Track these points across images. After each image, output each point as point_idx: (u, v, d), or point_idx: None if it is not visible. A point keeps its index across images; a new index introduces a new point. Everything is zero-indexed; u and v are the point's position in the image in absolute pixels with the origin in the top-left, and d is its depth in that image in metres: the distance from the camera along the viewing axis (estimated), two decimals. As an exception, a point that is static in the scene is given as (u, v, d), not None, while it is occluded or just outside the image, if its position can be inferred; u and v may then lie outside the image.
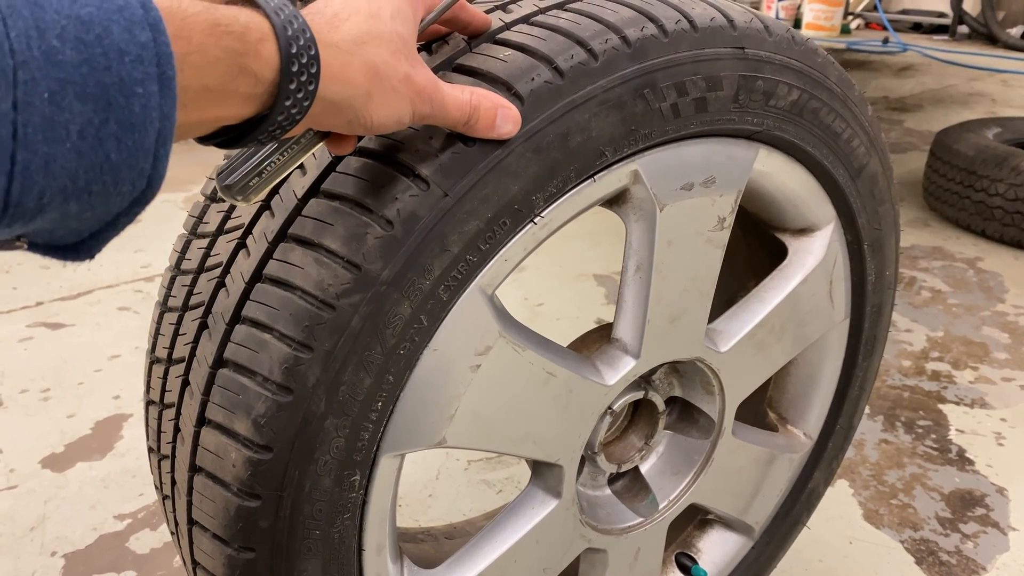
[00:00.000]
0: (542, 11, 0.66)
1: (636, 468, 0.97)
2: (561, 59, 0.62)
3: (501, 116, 0.60)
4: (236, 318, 0.63)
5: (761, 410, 1.11)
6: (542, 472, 0.83)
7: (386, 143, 0.61)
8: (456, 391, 0.67)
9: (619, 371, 0.79)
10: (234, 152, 0.57)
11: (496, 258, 0.65)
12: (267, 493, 0.62)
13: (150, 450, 0.79)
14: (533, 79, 0.61)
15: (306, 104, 0.48)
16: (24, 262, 2.51)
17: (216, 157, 0.56)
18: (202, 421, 0.65)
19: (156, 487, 0.80)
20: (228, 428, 0.62)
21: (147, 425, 0.78)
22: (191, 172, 3.09)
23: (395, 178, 0.60)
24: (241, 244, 0.67)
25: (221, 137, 0.49)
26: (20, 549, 1.41)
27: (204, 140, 0.49)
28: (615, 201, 0.74)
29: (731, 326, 0.89)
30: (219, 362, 0.64)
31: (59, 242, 0.42)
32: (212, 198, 0.75)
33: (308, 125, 0.52)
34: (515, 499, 0.83)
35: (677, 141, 0.72)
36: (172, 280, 0.74)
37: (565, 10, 0.66)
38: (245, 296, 0.63)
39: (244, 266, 0.65)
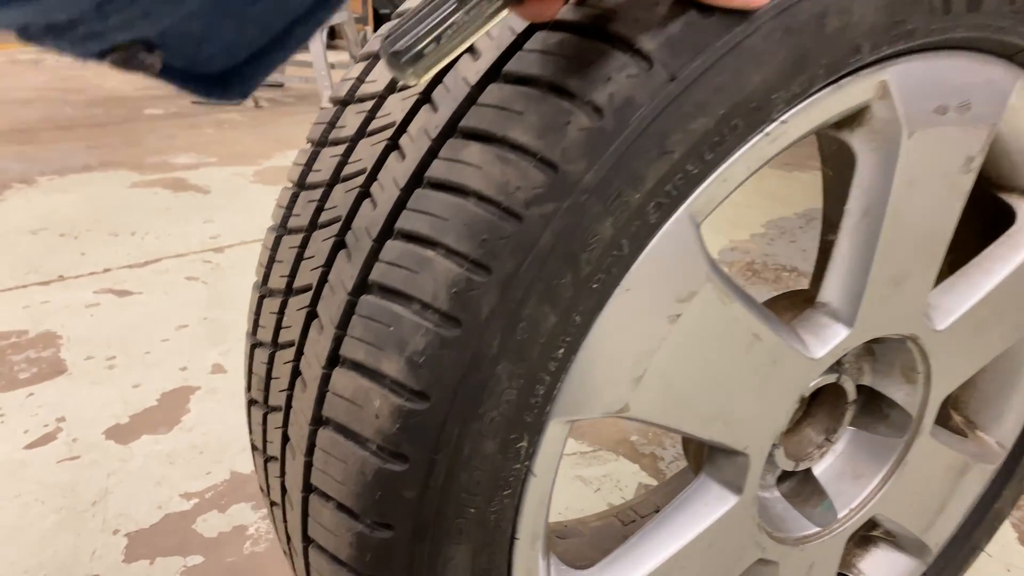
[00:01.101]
0: None
1: (808, 470, 0.82)
2: (824, -83, 0.49)
3: None
4: (387, 232, 0.51)
5: (944, 411, 0.95)
6: (719, 462, 0.69)
7: (593, 12, 0.49)
8: (648, 345, 0.54)
9: (828, 343, 0.65)
10: (405, 11, 0.45)
11: (716, 175, 0.52)
12: (417, 454, 0.49)
13: (252, 403, 0.67)
14: (788, -60, 0.48)
15: None
16: (93, 228, 2.47)
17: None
18: (334, 361, 0.53)
19: (255, 448, 0.68)
20: (372, 368, 0.50)
21: (250, 372, 0.67)
22: (263, 146, 3.04)
23: (607, 54, 0.47)
24: (392, 146, 0.55)
25: None
26: (81, 525, 1.33)
27: None
28: (847, 123, 0.60)
29: (949, 300, 0.74)
30: (362, 287, 0.52)
31: (204, 68, 0.30)
32: (345, 101, 0.64)
33: None
34: (685, 492, 0.69)
35: (938, 49, 0.58)
36: (294, 197, 0.63)
37: None
38: (400, 205, 0.51)
39: (397, 170, 0.53)
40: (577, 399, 0.53)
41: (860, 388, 0.81)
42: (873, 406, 0.82)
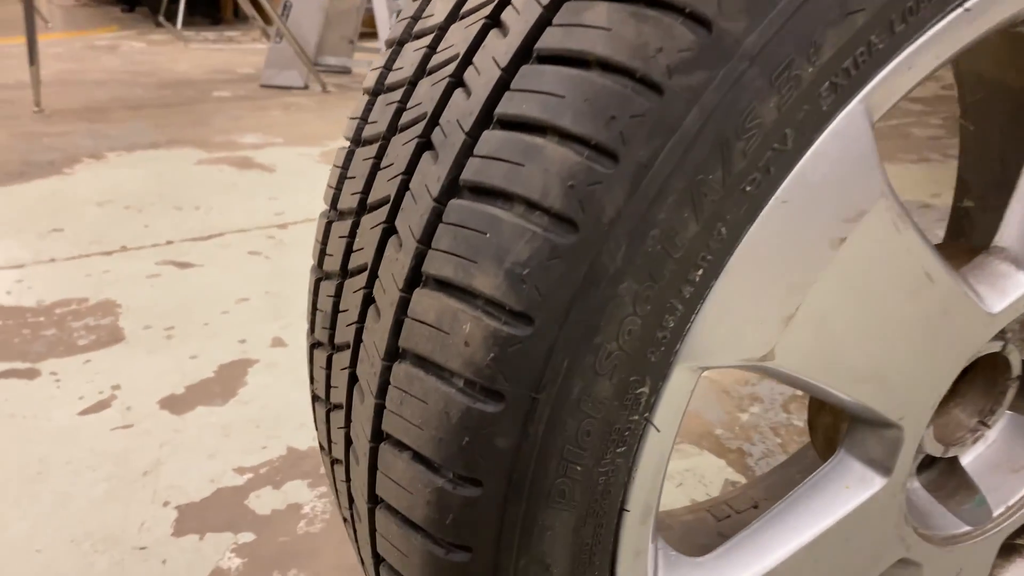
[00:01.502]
0: None
1: (953, 459, 0.70)
2: None
3: None
4: (484, 121, 0.42)
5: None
6: (863, 437, 0.57)
7: None
8: (804, 276, 0.44)
9: (1008, 294, 0.53)
10: None
11: (903, 57, 0.41)
12: (515, 392, 0.39)
13: (315, 346, 0.59)
14: None
15: None
16: (157, 202, 2.46)
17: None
18: (415, 281, 0.44)
19: (317, 398, 0.60)
20: (461, 286, 0.40)
21: (314, 311, 0.59)
22: (329, 129, 3.01)
23: None
24: (491, 23, 0.45)
25: None
26: (131, 495, 1.27)
27: None
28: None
29: None
30: (451, 190, 0.42)
31: None
32: (432, -6, 0.54)
33: None
34: (819, 472, 0.58)
35: None
36: (369, 105, 0.54)
37: None
38: (501, 87, 0.42)
39: (498, 48, 0.43)
40: (713, 339, 0.43)
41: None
42: (1036, 388, 0.69)
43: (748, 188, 0.39)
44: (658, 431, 0.43)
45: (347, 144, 0.57)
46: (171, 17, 5.50)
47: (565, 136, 0.38)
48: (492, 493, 0.41)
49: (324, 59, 4.05)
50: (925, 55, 0.42)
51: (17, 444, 1.38)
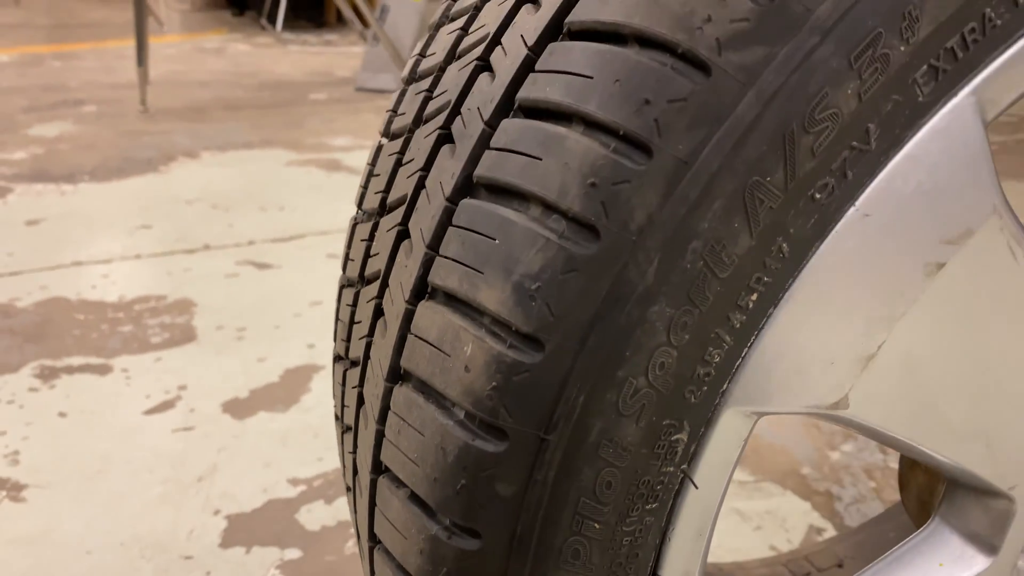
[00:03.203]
0: None
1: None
2: None
3: None
4: (505, 108, 0.37)
5: None
6: (964, 505, 0.49)
7: None
8: (890, 309, 0.36)
9: None
10: None
11: (1027, 38, 0.33)
12: (520, 429, 0.34)
13: (336, 357, 0.55)
14: None
15: None
16: (244, 202, 2.52)
17: None
18: (421, 291, 0.39)
19: (336, 417, 0.56)
20: (464, 300, 0.35)
21: (336, 319, 0.55)
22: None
23: None
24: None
25: None
26: (183, 501, 1.28)
27: None
28: None
29: None
30: (465, 187, 0.37)
31: None
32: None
33: None
34: (908, 543, 0.50)
35: None
36: (401, 94, 0.50)
37: None
38: (526, 68, 0.36)
39: (528, 24, 0.38)
40: (771, 380, 0.36)
41: None
42: None
43: (818, 196, 0.33)
44: (696, 487, 0.37)
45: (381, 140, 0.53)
46: (273, 20, 5.70)
47: (591, 124, 0.32)
48: (492, 547, 0.36)
49: (420, 63, 4.10)
50: (1060, 37, 0.34)
51: (83, 440, 1.42)
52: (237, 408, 1.51)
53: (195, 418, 1.48)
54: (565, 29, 0.35)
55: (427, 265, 0.39)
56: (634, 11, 0.32)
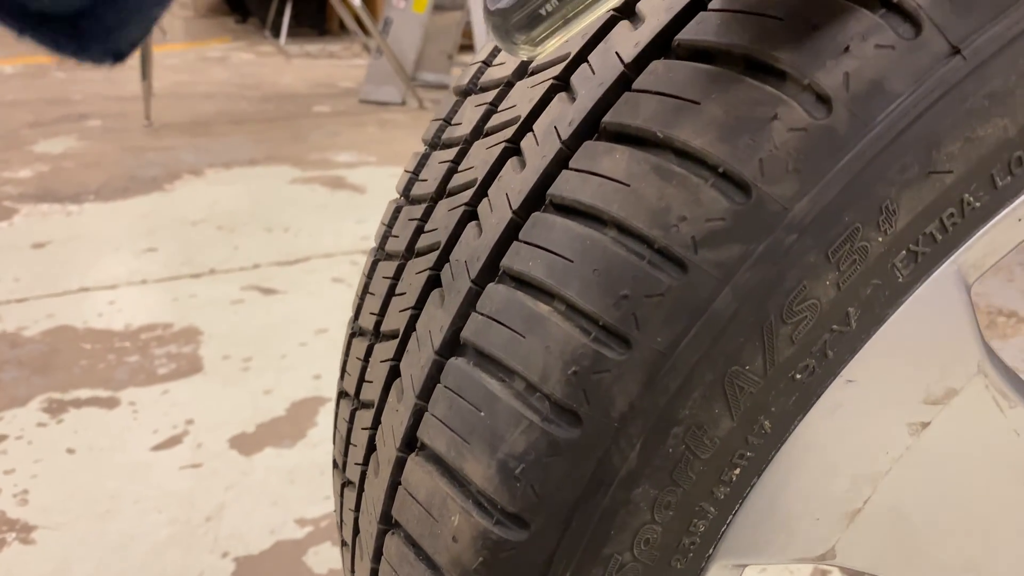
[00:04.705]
0: None
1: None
2: None
3: None
4: (490, 270, 0.37)
5: None
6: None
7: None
8: (874, 467, 0.37)
9: None
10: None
11: (1006, 212, 0.34)
12: (508, 603, 0.34)
13: (335, 465, 0.55)
14: None
15: None
16: (249, 222, 2.53)
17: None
18: (412, 443, 0.39)
19: (338, 527, 0.56)
20: (453, 467, 0.36)
21: (335, 427, 0.55)
22: (419, 147, 3.01)
23: (843, 13, 0.30)
24: (512, 149, 0.40)
25: None
26: (192, 542, 1.29)
27: None
28: None
29: None
30: (453, 344, 0.38)
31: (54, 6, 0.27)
32: (466, 91, 0.50)
33: None
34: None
35: None
36: (396, 212, 0.50)
37: None
38: (511, 232, 0.37)
39: (513, 183, 0.38)
40: (756, 538, 0.37)
41: None
42: None
43: (799, 376, 0.33)
44: (686, 645, 0.37)
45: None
46: (276, 29, 5.69)
47: (572, 309, 0.33)
48: None
49: (422, 75, 4.09)
50: (1042, 203, 0.34)
51: (91, 477, 1.43)
52: (244, 443, 1.52)
53: (203, 454, 1.49)
54: (548, 200, 0.36)
55: (417, 416, 0.39)
56: (613, 198, 0.32)
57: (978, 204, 0.32)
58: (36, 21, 0.28)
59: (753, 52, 0.31)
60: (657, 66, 0.34)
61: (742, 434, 0.33)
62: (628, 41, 0.36)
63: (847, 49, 0.29)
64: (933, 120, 0.30)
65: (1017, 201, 0.33)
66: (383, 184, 2.74)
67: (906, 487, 0.38)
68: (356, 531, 0.47)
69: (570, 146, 0.36)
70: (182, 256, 2.28)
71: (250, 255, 2.27)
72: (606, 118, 0.35)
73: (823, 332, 0.32)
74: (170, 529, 1.30)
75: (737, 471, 0.34)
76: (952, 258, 0.33)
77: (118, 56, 0.30)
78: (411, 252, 0.46)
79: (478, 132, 0.44)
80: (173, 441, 1.52)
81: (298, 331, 1.89)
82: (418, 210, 0.47)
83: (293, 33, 6.06)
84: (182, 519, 1.33)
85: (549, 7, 0.29)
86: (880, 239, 0.31)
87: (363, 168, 2.93)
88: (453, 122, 0.48)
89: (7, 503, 1.36)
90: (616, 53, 0.36)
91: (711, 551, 0.36)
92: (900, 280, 0.33)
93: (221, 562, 1.25)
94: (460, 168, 0.44)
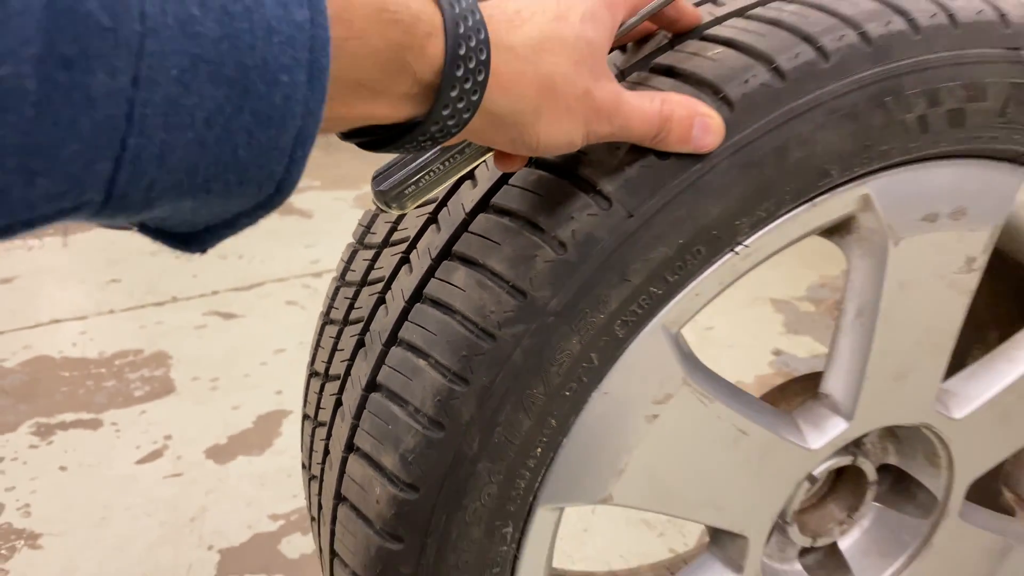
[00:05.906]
0: (762, 2, 0.59)
1: (834, 544, 0.87)
2: (783, 58, 0.55)
3: (699, 126, 0.53)
4: (393, 339, 0.61)
5: (994, 487, 0.97)
6: (721, 540, 0.75)
7: (565, 155, 0.57)
8: (627, 443, 0.62)
9: (826, 434, 0.70)
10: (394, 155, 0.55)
11: (685, 292, 0.59)
12: (410, 537, 0.59)
13: (303, 466, 0.79)
14: (747, 81, 0.54)
15: (466, 116, 0.43)
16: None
17: (386, 160, 0.54)
18: (351, 447, 0.63)
19: (307, 508, 0.80)
20: (375, 460, 0.60)
21: (302, 440, 0.79)
22: (363, 169, 3.22)
23: (572, 194, 0.55)
24: (405, 259, 0.64)
25: (365, 137, 0.45)
26: (180, 539, 1.50)
27: (346, 136, 0.45)
28: (836, 230, 0.65)
29: (970, 388, 0.77)
30: (372, 385, 0.62)
31: (170, 229, 0.38)
32: (376, 214, 0.74)
33: (466, 138, 0.48)
34: (686, 570, 0.76)
35: (922, 161, 0.62)
36: (336, 291, 0.74)
37: (790, 1, 0.58)
38: (404, 316, 0.61)
39: (406, 283, 0.62)
40: (561, 489, 0.62)
41: (887, 467, 0.85)
42: (903, 485, 0.85)
43: (568, 392, 0.58)
44: (521, 557, 0.62)
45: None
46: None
47: (437, 363, 0.57)
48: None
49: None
50: (709, 283, 0.59)
51: (85, 490, 1.63)
52: (218, 454, 1.73)
53: (182, 465, 1.70)
54: (424, 296, 0.60)
55: (353, 430, 0.63)
56: (458, 298, 0.57)
57: (660, 292, 0.57)
58: (154, 232, 0.37)
59: (527, 214, 0.56)
60: (481, 217, 0.59)
61: (538, 429, 0.58)
62: (469, 196, 0.61)
63: (572, 217, 0.54)
64: (623, 251, 0.54)
65: (687, 288, 0.58)
66: (329, 208, 2.94)
67: (651, 454, 0.63)
68: (320, 507, 0.70)
69: (436, 261, 0.60)
70: (145, 285, 2.46)
71: (208, 282, 2.46)
72: (455, 247, 0.59)
73: (577, 368, 0.57)
74: (160, 530, 1.52)
75: (539, 450, 0.59)
76: (654, 321, 0.58)
77: (205, 250, 0.39)
78: (346, 322, 0.70)
79: (386, 242, 0.68)
80: (155, 455, 1.72)
81: (258, 352, 2.09)
82: (350, 291, 0.71)
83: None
84: (169, 521, 1.55)
85: (409, 191, 0.53)
86: (602, 316, 0.56)
87: (309, 192, 3.12)
88: (372, 231, 0.72)
89: (13, 516, 1.56)
90: (462, 204, 0.61)
91: (533, 498, 0.61)
92: (621, 336, 0.57)
93: (207, 554, 1.47)
94: (375, 267, 0.68)
